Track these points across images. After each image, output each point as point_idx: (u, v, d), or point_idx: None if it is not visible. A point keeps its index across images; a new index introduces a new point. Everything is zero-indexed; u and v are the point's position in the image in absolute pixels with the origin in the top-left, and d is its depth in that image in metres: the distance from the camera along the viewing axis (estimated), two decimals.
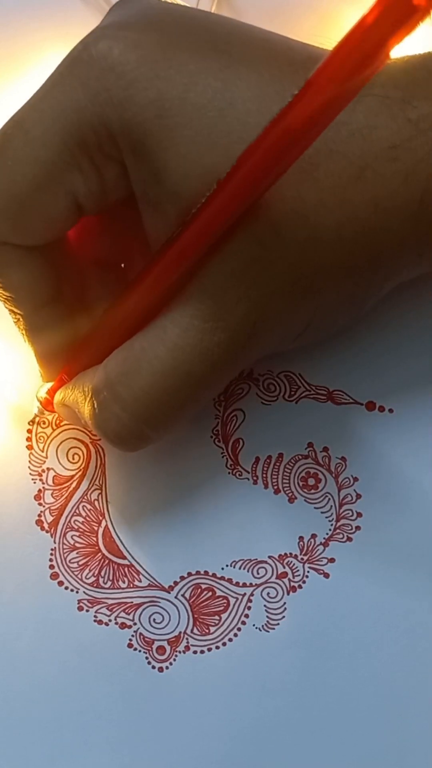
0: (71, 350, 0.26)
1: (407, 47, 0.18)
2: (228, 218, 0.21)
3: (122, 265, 0.28)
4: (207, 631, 0.28)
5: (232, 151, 0.20)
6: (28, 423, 0.29)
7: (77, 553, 0.28)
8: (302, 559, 0.28)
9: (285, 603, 0.28)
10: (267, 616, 0.28)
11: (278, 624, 0.28)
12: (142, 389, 0.23)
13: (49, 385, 0.27)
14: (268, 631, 0.28)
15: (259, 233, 0.21)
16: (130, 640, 0.28)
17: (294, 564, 0.28)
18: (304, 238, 0.22)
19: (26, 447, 0.29)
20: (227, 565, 0.28)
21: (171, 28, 0.22)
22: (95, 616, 0.28)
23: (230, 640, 0.28)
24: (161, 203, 0.22)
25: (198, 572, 0.28)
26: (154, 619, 0.28)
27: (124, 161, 0.22)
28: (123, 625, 0.28)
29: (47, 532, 0.28)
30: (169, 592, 0.28)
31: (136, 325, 0.24)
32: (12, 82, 0.31)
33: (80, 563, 0.28)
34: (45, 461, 0.29)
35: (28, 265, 0.24)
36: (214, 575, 0.28)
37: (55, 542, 0.28)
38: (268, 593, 0.28)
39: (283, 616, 0.28)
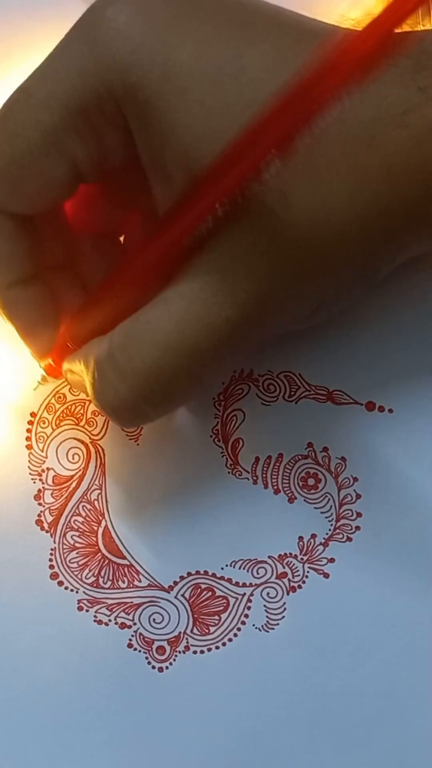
0: (67, 318, 0.26)
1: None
2: (240, 185, 0.20)
3: (121, 238, 0.28)
4: (207, 631, 0.28)
5: (243, 116, 0.20)
6: (30, 415, 0.29)
7: (77, 553, 0.28)
8: (302, 559, 0.28)
9: (285, 603, 0.28)
10: (267, 616, 0.28)
11: (278, 624, 0.28)
12: (143, 361, 0.22)
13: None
14: (267, 631, 0.28)
15: (269, 203, 0.21)
16: (130, 640, 0.28)
17: (294, 564, 0.28)
18: (316, 207, 0.21)
19: (26, 447, 0.29)
20: (227, 565, 0.28)
21: None
22: (95, 616, 0.28)
23: (230, 640, 0.28)
24: (170, 167, 0.22)
25: (198, 572, 0.28)
26: (153, 619, 0.28)
27: (127, 127, 0.22)
28: (123, 625, 0.28)
29: (47, 532, 0.28)
30: (169, 592, 0.28)
31: (143, 294, 0.23)
32: (10, 82, 0.31)
33: (80, 563, 0.28)
34: (45, 461, 0.29)
35: (16, 236, 0.24)
36: (213, 575, 0.28)
37: (54, 542, 0.28)
38: (268, 593, 0.28)
39: (283, 616, 0.28)
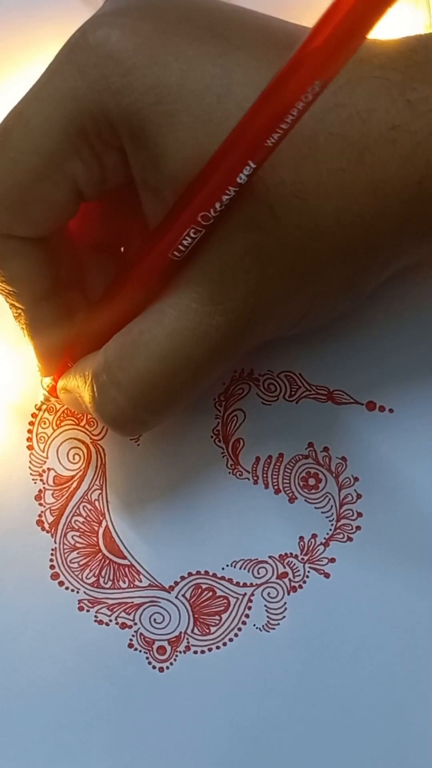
0: (72, 335, 0.26)
1: (402, 29, 0.18)
2: (221, 198, 0.21)
3: (122, 249, 0.28)
4: (207, 631, 0.28)
5: None
6: (31, 415, 0.29)
7: (78, 553, 0.28)
8: (303, 559, 0.28)
9: (285, 603, 0.28)
10: (267, 616, 0.28)
11: (279, 624, 0.28)
12: (139, 373, 0.23)
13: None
14: (268, 631, 0.28)
15: (258, 217, 0.22)
16: (131, 640, 0.28)
17: (294, 564, 0.28)
18: (303, 223, 0.22)
19: (27, 447, 0.29)
20: (228, 565, 0.28)
21: (169, 14, 0.22)
22: (96, 616, 0.28)
23: (231, 640, 0.28)
24: (160, 189, 0.22)
25: (198, 572, 0.28)
26: (154, 619, 0.28)
27: (123, 148, 0.22)
28: (123, 625, 0.28)
29: (48, 532, 0.28)
30: (170, 592, 0.28)
31: (135, 307, 0.24)
32: (10, 82, 0.31)
33: (81, 563, 0.28)
34: (45, 461, 0.29)
35: (30, 257, 0.24)
36: (214, 575, 0.28)
37: (55, 542, 0.28)
38: (269, 593, 0.28)
39: (284, 616, 0.28)
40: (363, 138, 0.21)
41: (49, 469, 0.29)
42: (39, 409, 0.29)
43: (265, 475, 0.29)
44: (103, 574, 0.28)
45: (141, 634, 0.28)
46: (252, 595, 0.28)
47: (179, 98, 0.21)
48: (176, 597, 0.28)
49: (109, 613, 0.28)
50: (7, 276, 0.25)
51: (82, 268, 0.27)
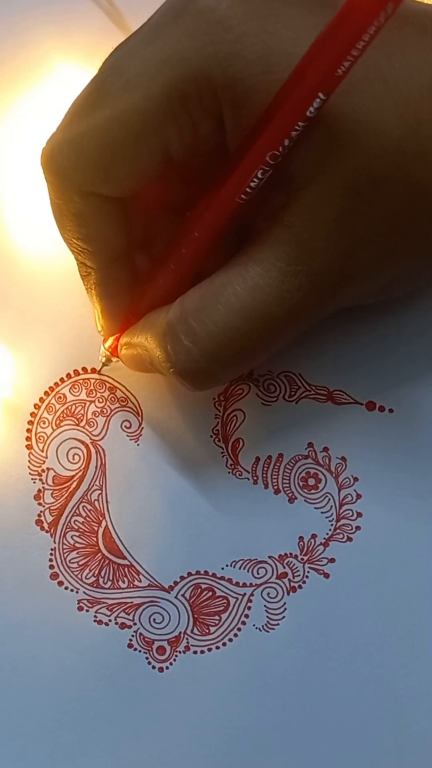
0: (137, 291, 0.26)
1: None
2: (290, 134, 0.20)
3: (188, 213, 0.28)
4: (207, 631, 0.28)
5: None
6: (30, 414, 0.29)
7: (77, 553, 0.28)
8: (302, 559, 0.28)
9: (285, 603, 0.28)
10: (267, 616, 0.28)
11: (278, 624, 0.28)
12: (216, 325, 0.23)
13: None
14: (268, 632, 0.28)
15: (357, 184, 0.22)
16: (130, 640, 0.28)
17: (294, 564, 0.28)
18: (402, 191, 0.22)
19: (26, 447, 0.29)
20: (227, 565, 0.28)
21: None
22: (95, 616, 0.28)
23: (230, 640, 0.28)
24: None
25: (198, 572, 0.28)
26: (154, 619, 0.28)
27: (220, 115, 0.22)
28: (123, 625, 0.28)
29: (47, 532, 0.28)
30: (169, 592, 0.28)
31: (204, 256, 0.24)
32: (21, 90, 0.31)
33: (80, 563, 0.28)
34: (45, 461, 0.29)
35: (109, 216, 0.24)
36: (214, 575, 0.28)
37: (55, 542, 0.28)
38: (268, 593, 0.28)
39: (283, 617, 0.28)
40: None
41: (48, 468, 0.29)
42: (37, 406, 0.29)
43: (264, 475, 0.29)
44: (102, 574, 0.28)
45: (140, 634, 0.28)
46: (252, 595, 0.28)
47: (288, 67, 0.21)
48: (176, 597, 0.28)
49: (108, 613, 0.28)
50: (84, 234, 0.24)
51: (150, 231, 0.27)
